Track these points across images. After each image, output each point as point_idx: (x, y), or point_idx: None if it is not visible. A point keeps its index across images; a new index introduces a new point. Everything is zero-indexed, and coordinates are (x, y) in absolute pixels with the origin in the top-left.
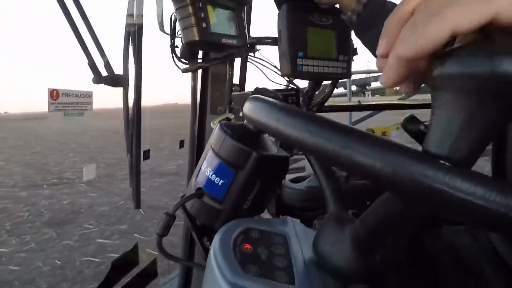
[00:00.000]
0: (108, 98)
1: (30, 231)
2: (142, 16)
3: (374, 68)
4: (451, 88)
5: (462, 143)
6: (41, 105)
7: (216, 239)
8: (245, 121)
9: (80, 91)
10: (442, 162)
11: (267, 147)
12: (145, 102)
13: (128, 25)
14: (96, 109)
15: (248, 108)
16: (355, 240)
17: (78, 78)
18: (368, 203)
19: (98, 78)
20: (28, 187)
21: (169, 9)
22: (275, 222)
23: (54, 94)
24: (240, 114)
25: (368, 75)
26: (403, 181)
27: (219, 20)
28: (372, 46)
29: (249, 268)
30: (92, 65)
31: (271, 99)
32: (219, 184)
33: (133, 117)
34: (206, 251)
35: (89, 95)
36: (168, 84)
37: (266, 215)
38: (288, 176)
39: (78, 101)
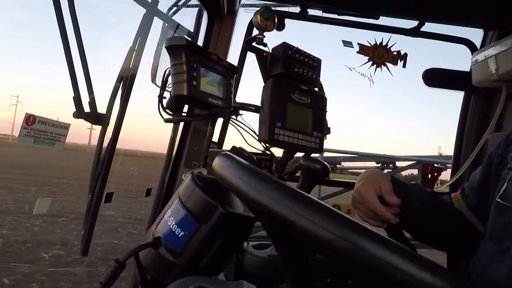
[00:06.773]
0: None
1: None
2: (137, 67)
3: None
4: None
5: None
6: None
7: None
8: None
9: (58, 122)
10: None
11: (234, 205)
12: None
13: (122, 70)
14: None
15: (216, 163)
16: None
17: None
18: (328, 280)
19: (79, 113)
20: None
21: (164, 65)
22: (229, 284)
23: (30, 120)
24: None
25: (340, 155)
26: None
27: (209, 82)
28: None
29: None
30: (77, 99)
31: (238, 158)
32: (179, 235)
33: (105, 157)
34: None
35: (66, 127)
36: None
37: (222, 278)
38: (252, 243)
39: (53, 131)
